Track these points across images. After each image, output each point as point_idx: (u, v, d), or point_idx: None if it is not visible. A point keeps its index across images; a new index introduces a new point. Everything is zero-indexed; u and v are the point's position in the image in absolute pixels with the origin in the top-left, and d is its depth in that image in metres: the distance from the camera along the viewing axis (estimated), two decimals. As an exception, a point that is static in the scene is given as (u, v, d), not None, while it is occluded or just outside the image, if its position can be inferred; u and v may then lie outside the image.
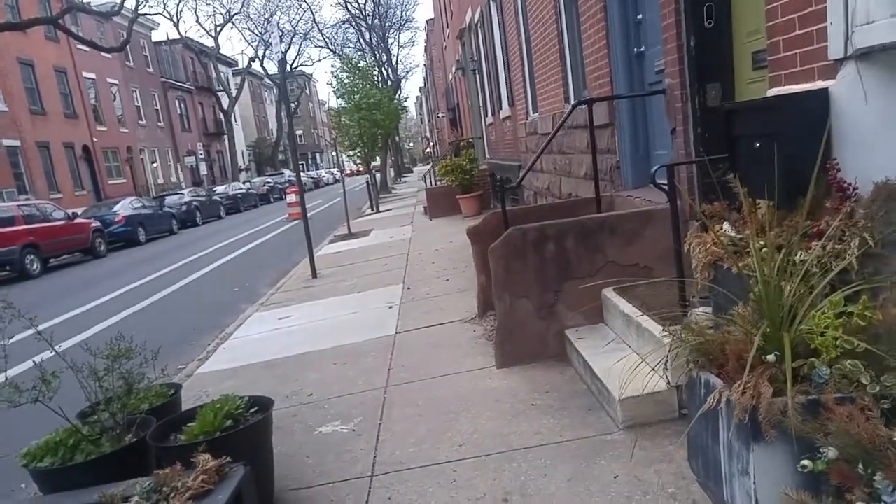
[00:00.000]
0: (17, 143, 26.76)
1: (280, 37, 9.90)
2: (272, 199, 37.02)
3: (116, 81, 36.63)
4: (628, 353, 3.36)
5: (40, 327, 2.85)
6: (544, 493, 2.61)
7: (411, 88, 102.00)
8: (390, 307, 6.42)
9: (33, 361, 2.82)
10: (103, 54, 30.96)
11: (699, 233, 3.12)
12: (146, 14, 34.46)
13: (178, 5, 44.35)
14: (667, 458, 2.63)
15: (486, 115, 15.69)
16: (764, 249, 2.25)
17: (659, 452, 2.71)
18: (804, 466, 1.69)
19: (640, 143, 5.42)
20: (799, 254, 2.14)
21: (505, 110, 12.05)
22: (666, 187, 3.31)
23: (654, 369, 2.83)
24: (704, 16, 3.80)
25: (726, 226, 2.86)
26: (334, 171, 59.10)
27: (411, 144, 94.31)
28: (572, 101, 7.02)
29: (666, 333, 2.92)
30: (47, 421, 2.85)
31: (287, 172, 46.33)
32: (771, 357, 1.81)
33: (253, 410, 2.95)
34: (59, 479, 2.72)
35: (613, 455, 2.79)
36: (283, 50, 11.32)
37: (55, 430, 2.91)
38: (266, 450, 2.96)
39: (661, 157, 4.88)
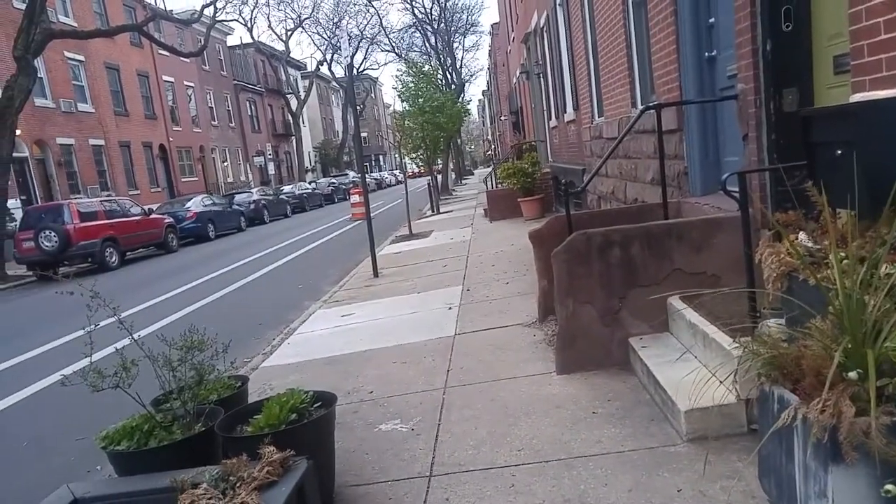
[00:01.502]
0: (101, 142, 28.40)
1: (348, 40, 10.07)
2: (336, 200, 37.76)
3: (192, 84, 38.19)
4: (694, 364, 3.28)
5: (122, 316, 2.96)
6: (604, 503, 2.56)
7: (474, 92, 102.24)
8: (450, 308, 6.44)
9: (115, 348, 2.95)
10: (182, 59, 32.39)
11: (772, 242, 3.01)
12: (223, 20, 35.82)
13: (252, 11, 45.90)
14: (734, 475, 2.54)
15: (549, 118, 15.57)
16: (845, 261, 2.16)
17: (726, 468, 2.62)
18: (888, 491, 1.60)
19: (709, 149, 5.27)
20: (884, 266, 2.04)
21: (569, 114, 11.93)
22: (737, 195, 3.21)
23: (721, 382, 2.75)
24: (782, 19, 3.66)
25: (802, 235, 2.75)
26: (396, 172, 59.89)
27: (472, 147, 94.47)
28: (639, 106, 6.90)
29: (736, 345, 2.84)
30: (113, 404, 2.96)
31: (351, 174, 47.17)
32: (853, 374, 1.73)
33: (317, 405, 2.99)
34: (134, 462, 2.82)
35: (677, 468, 2.72)
36: (351, 53, 11.51)
37: (132, 415, 3.03)
38: (328, 444, 3.01)
39: (731, 163, 4.73)
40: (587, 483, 2.73)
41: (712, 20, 4.96)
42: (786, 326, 2.63)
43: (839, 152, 3.13)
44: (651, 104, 5.13)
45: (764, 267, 2.84)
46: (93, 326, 2.85)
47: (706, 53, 5.10)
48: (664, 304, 3.97)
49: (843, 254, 2.21)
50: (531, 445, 3.17)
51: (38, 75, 19.34)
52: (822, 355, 1.83)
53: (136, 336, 2.99)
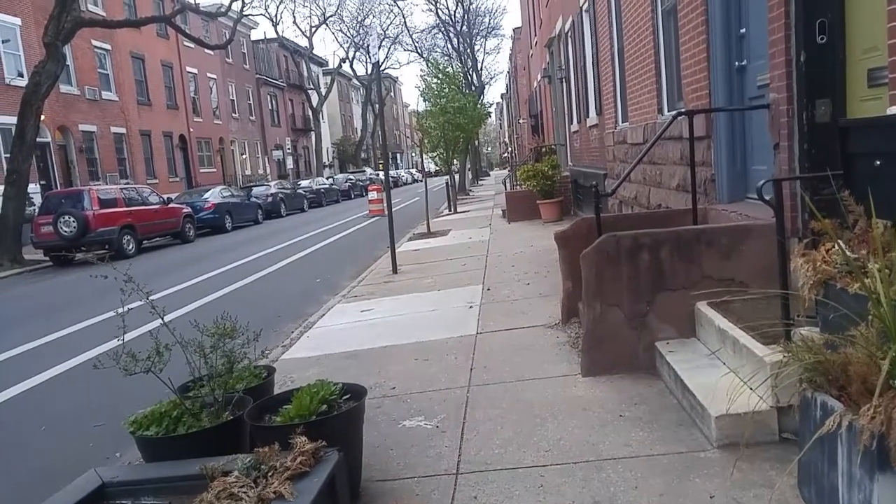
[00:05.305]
0: (122, 130, 28.72)
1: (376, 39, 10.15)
2: (353, 196, 37.91)
3: (215, 76, 38.50)
4: (722, 370, 3.26)
5: (138, 304, 2.95)
6: (636, 506, 2.56)
7: (493, 94, 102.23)
8: (470, 307, 6.44)
9: (150, 333, 2.97)
10: (206, 51, 32.66)
11: (806, 250, 3.00)
12: (249, 15, 36.09)
13: (278, 7, 46.23)
14: (768, 483, 2.52)
15: (570, 122, 15.54)
16: (885, 271, 2.15)
17: (758, 476, 2.60)
18: (935, 500, 1.60)
19: (737, 157, 5.26)
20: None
21: (592, 118, 11.91)
22: (772, 202, 3.20)
23: (753, 390, 2.75)
24: (817, 31, 3.65)
25: (839, 244, 2.75)
26: (413, 171, 60.06)
27: (489, 149, 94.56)
28: (665, 112, 6.88)
29: (769, 351, 2.83)
30: (130, 390, 2.92)
31: (368, 171, 47.33)
32: (901, 382, 1.73)
33: (346, 398, 3.00)
34: (162, 448, 2.83)
35: (708, 473, 2.71)
36: (376, 48, 11.57)
37: (159, 401, 3.04)
38: (357, 438, 3.01)
39: (758, 172, 4.72)
40: (617, 486, 2.72)
41: (743, 31, 4.97)
42: (820, 333, 2.63)
43: (878, 163, 3.11)
44: (683, 110, 5.12)
45: (799, 275, 2.83)
46: (125, 309, 2.84)
47: (736, 63, 5.10)
48: (692, 309, 3.96)
49: (883, 262, 2.21)
50: (559, 446, 3.16)
51: (66, 62, 19.53)
52: (868, 362, 1.82)
53: (157, 323, 2.96)
